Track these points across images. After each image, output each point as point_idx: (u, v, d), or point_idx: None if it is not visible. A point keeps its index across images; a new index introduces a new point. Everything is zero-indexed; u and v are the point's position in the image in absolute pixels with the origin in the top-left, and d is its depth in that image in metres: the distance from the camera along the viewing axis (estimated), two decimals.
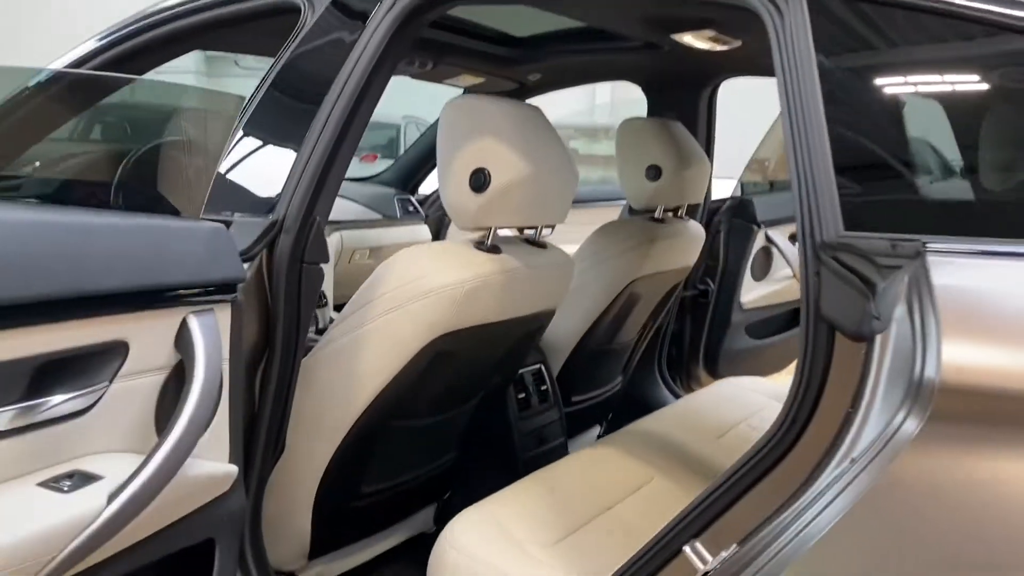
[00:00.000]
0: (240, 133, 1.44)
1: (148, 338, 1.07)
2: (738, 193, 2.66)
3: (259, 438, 1.35)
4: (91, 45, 1.63)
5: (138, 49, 1.61)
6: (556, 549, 1.27)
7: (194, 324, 1.10)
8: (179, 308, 1.10)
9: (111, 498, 0.95)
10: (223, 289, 1.16)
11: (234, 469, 1.19)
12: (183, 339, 1.10)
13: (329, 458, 1.49)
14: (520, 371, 1.95)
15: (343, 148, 1.40)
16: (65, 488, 0.97)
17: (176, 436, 1.01)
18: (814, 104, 0.98)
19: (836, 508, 0.85)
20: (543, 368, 2.06)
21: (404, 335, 1.42)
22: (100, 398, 1.03)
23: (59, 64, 1.63)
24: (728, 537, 0.96)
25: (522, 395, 1.97)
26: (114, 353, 1.04)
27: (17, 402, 0.95)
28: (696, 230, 2.24)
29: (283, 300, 1.32)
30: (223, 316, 1.16)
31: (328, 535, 1.60)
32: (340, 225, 2.72)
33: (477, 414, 1.83)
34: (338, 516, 1.60)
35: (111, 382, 1.04)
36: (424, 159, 3.23)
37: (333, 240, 2.65)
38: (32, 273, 0.93)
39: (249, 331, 1.29)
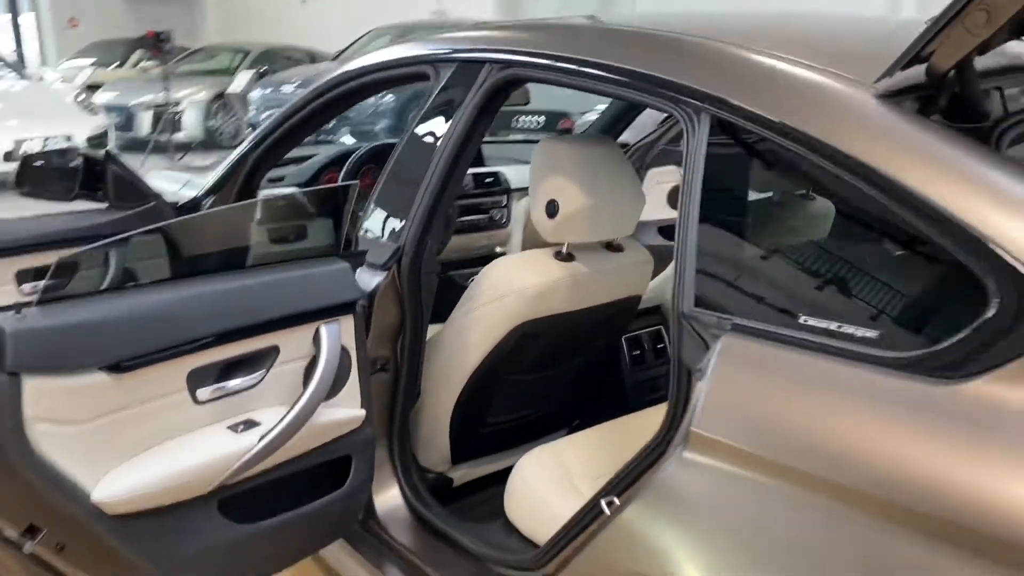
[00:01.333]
0: (386, 176, 1.96)
1: (292, 342, 1.62)
2: None
3: (400, 387, 1.91)
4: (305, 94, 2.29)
5: (329, 102, 2.24)
6: (598, 482, 1.48)
7: (323, 331, 1.64)
8: (315, 323, 1.63)
9: (261, 437, 1.50)
10: (345, 307, 1.68)
11: (362, 413, 1.73)
12: (317, 341, 1.61)
13: (455, 400, 2.00)
14: (638, 332, 2.43)
15: (448, 189, 1.85)
16: (239, 430, 1.54)
17: (306, 398, 1.56)
18: (696, 210, 1.31)
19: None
20: (662, 329, 2.48)
21: (493, 323, 1.91)
22: (263, 378, 1.57)
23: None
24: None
25: (637, 352, 2.42)
26: (271, 353, 1.60)
27: (218, 381, 1.53)
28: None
29: (408, 297, 1.85)
30: (348, 323, 1.68)
31: (466, 449, 2.12)
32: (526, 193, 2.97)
33: (591, 368, 2.26)
34: (471, 437, 2.11)
35: (268, 370, 1.58)
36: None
37: (521, 205, 3.00)
38: (229, 316, 1.53)
39: (390, 316, 1.86)
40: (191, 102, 10.79)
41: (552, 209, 1.85)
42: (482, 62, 1.81)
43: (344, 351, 1.69)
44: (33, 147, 8.34)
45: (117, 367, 1.36)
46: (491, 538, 1.78)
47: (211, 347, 1.49)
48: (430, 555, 1.88)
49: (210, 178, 2.56)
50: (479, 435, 2.17)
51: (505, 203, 2.99)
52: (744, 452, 1.15)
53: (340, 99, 2.27)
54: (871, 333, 1.11)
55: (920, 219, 1.09)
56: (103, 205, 2.43)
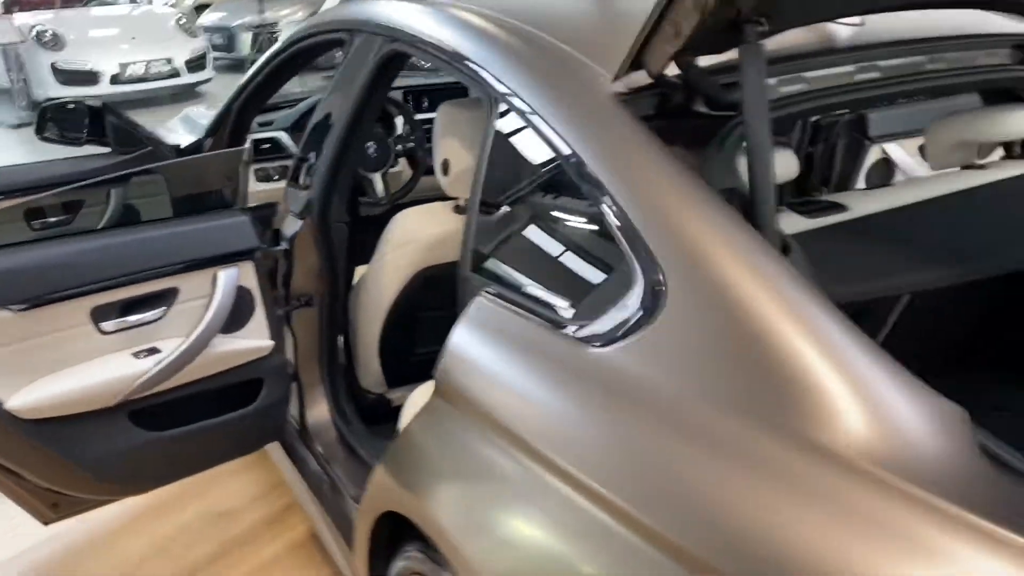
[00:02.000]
0: (306, 134, 2.20)
1: (191, 284, 1.92)
2: None
3: (324, 319, 2.21)
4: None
5: (294, 55, 2.46)
6: None
7: (220, 275, 1.94)
8: (213, 268, 1.93)
9: (158, 362, 1.85)
10: (244, 254, 1.97)
11: (270, 343, 2.04)
12: (214, 283, 1.92)
13: (379, 332, 2.27)
14: None
15: (347, 153, 2.08)
16: (142, 356, 1.87)
17: (199, 330, 1.90)
18: (480, 186, 1.55)
19: None
20: None
21: (400, 266, 2.18)
22: (165, 315, 1.90)
23: None
24: None
25: None
26: (171, 293, 1.90)
27: (121, 316, 1.86)
28: None
29: (321, 242, 2.14)
30: (249, 268, 1.99)
31: (399, 374, 2.40)
32: None
33: None
34: (402, 364, 2.38)
35: (169, 308, 1.89)
36: None
37: None
38: (135, 261, 1.85)
39: (310, 257, 2.15)
40: (288, 22, 11.20)
41: (445, 167, 2.06)
42: (376, 35, 1.99)
43: (246, 292, 1.99)
44: (137, 70, 8.98)
45: (22, 304, 1.70)
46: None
47: (113, 288, 1.81)
48: (343, 465, 2.19)
49: (209, 121, 2.87)
50: (410, 363, 2.41)
51: None
52: (463, 399, 1.37)
53: (300, 55, 2.51)
54: (567, 307, 1.30)
55: (603, 209, 1.26)
56: (107, 150, 2.80)
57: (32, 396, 1.74)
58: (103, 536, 2.61)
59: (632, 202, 1.23)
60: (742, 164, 1.26)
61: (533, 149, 1.44)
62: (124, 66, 8.84)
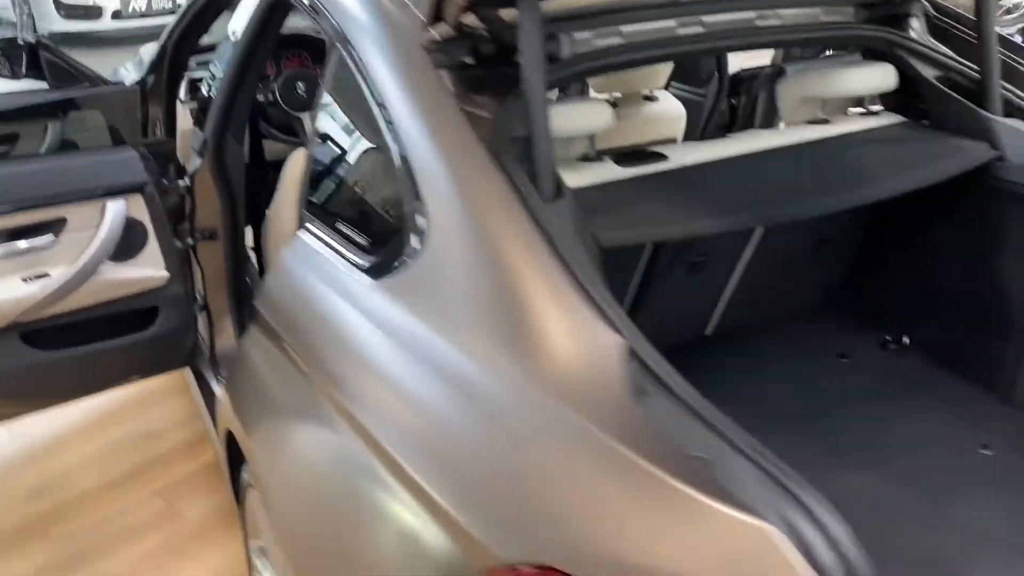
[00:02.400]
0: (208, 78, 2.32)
1: (79, 214, 2.02)
2: None
3: (227, 249, 2.28)
4: None
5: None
6: None
7: (108, 206, 2.04)
8: (102, 199, 2.03)
9: (45, 286, 1.98)
10: (134, 188, 2.08)
11: (165, 274, 2.16)
12: (103, 214, 2.02)
13: None
14: None
15: (238, 97, 2.16)
16: (30, 280, 2.00)
17: (86, 258, 2.02)
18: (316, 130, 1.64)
19: None
20: None
21: (294, 200, 2.15)
22: (54, 243, 2.01)
23: None
24: None
25: None
26: (60, 223, 2.02)
27: (7, 242, 1.98)
28: None
29: (218, 179, 2.23)
30: (137, 201, 2.10)
31: None
32: None
33: None
34: None
35: (58, 236, 2.01)
36: None
37: None
38: (27, 190, 1.98)
39: (211, 195, 2.22)
40: None
41: None
42: None
43: (138, 223, 2.11)
44: (139, 5, 9.04)
45: None
46: None
47: (20, 212, 1.94)
48: None
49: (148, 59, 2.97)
50: None
51: None
52: (269, 325, 1.49)
53: None
54: (362, 242, 1.41)
55: (393, 152, 1.35)
56: (46, 85, 2.92)
57: None
58: (35, 449, 2.80)
59: (412, 146, 1.32)
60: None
61: (352, 92, 1.52)
62: (127, 1, 8.90)
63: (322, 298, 1.40)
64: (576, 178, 1.56)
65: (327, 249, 1.46)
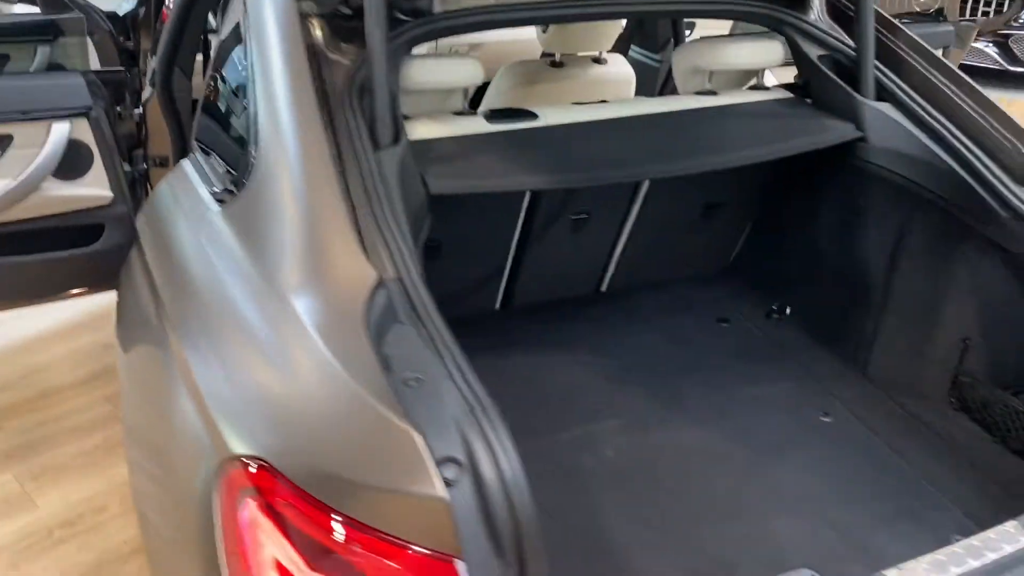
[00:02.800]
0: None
1: (25, 133, 2.15)
2: None
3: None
4: None
5: None
6: None
7: (53, 127, 2.17)
8: (47, 120, 2.15)
9: None
10: (79, 112, 2.20)
11: (109, 194, 2.29)
12: (47, 134, 2.14)
13: None
14: None
15: (187, 23, 2.26)
16: None
17: (26, 173, 2.15)
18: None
19: None
20: None
21: None
22: (2, 156, 2.15)
23: None
24: None
25: None
26: (6, 139, 2.13)
27: None
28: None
29: (166, 108, 2.35)
30: (82, 124, 2.22)
31: None
32: None
33: None
34: None
35: (4, 151, 2.12)
36: None
37: None
38: None
39: (161, 123, 2.36)
40: None
41: None
42: None
43: (83, 145, 2.28)
44: None
45: None
46: None
47: None
48: None
49: None
50: None
51: None
52: (138, 247, 1.65)
53: None
54: (220, 172, 1.55)
55: (249, 91, 1.48)
56: (38, 10, 3.10)
57: None
58: (8, 348, 3.06)
59: (260, 82, 1.45)
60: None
61: (234, 28, 1.66)
62: None
63: (173, 220, 1.56)
64: (435, 129, 1.69)
65: (195, 175, 1.60)
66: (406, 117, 1.71)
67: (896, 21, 1.96)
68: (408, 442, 0.96)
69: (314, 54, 1.50)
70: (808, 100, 2.00)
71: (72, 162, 2.28)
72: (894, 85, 1.88)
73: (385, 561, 0.97)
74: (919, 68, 1.87)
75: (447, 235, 1.97)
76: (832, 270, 2.07)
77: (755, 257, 2.35)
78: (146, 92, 2.45)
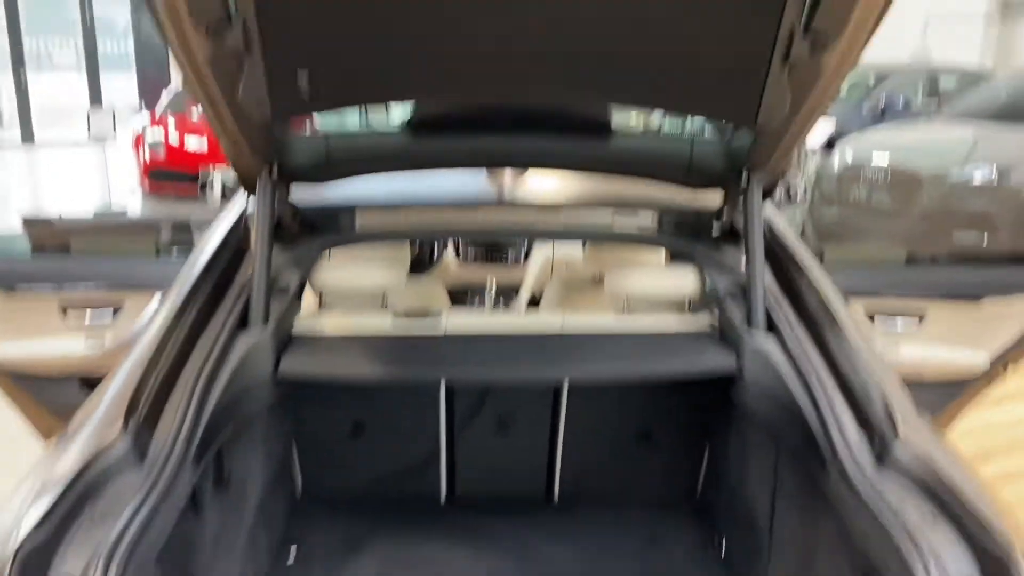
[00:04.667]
0: None
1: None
2: None
3: None
4: None
5: None
6: None
7: None
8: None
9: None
10: None
11: None
12: None
13: None
14: None
15: None
16: None
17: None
18: None
19: None
20: None
21: None
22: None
23: None
24: None
25: None
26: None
27: None
28: None
29: None
30: None
31: None
32: None
33: None
34: None
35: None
36: None
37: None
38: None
39: None
40: None
41: None
42: None
43: None
44: None
45: None
46: None
47: None
48: None
49: None
50: None
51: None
52: None
53: None
54: None
55: None
56: None
57: None
58: None
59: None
60: None
61: None
62: None
63: None
64: (326, 319, 2.02)
65: None
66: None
67: (800, 248, 2.00)
68: None
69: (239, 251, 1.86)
70: (713, 327, 2.05)
71: None
72: (783, 317, 1.86)
73: None
74: (811, 301, 1.84)
75: (370, 416, 2.15)
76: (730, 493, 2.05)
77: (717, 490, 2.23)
78: None
